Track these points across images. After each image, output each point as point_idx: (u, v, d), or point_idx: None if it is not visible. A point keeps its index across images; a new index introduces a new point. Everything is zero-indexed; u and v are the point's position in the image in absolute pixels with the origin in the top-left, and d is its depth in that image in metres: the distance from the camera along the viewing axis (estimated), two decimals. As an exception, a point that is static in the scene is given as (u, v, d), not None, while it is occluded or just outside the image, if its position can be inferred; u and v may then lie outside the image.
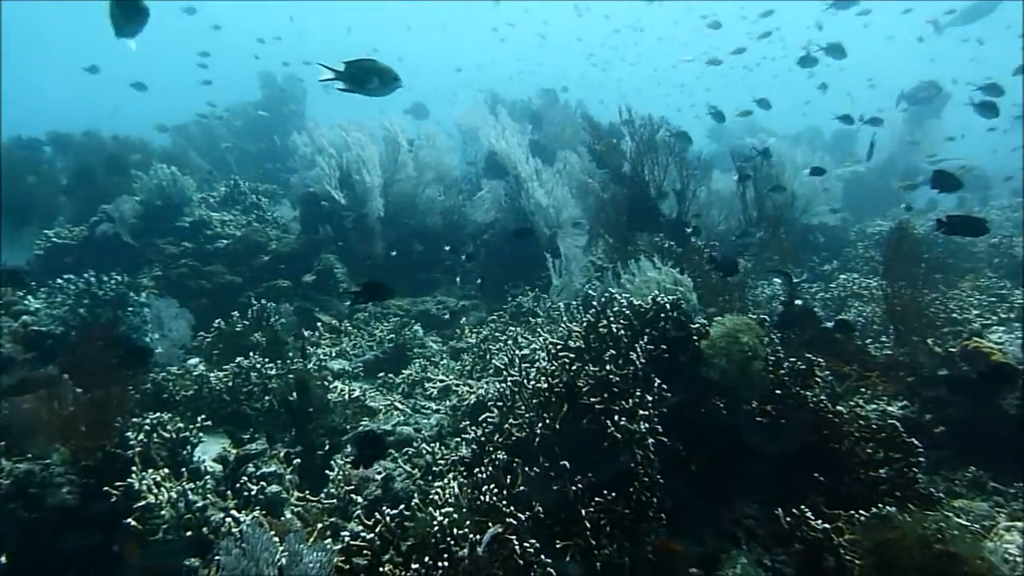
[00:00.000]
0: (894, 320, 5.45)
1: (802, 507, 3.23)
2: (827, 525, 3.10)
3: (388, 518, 3.05)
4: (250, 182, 9.96)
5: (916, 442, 3.70)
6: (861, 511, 3.16)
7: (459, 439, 4.44)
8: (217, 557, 2.87)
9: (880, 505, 3.19)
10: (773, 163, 7.57)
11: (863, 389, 4.74)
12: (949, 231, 4.58)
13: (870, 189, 11.76)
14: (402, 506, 3.17)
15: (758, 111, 9.76)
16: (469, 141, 10.86)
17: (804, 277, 7.82)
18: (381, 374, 5.98)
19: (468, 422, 4.51)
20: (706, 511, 3.50)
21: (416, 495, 3.56)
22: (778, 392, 3.84)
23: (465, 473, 3.60)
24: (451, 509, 3.03)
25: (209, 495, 3.82)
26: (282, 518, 3.80)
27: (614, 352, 3.70)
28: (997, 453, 4.04)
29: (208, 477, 4.09)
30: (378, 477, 4.14)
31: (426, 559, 2.75)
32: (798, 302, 5.70)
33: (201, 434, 4.37)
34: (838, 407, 3.93)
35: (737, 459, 3.68)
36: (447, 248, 8.29)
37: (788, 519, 3.21)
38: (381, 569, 2.81)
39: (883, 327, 5.89)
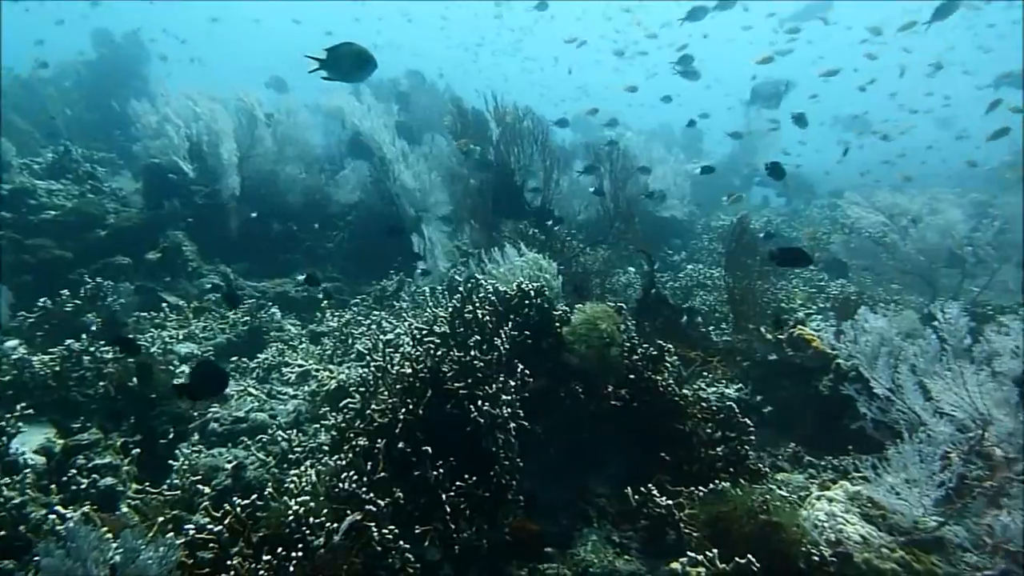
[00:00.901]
0: (733, 308, 5.97)
1: (649, 485, 3.49)
2: (670, 501, 3.39)
3: (239, 509, 2.95)
4: (83, 149, 9.03)
5: (748, 422, 4.11)
6: (700, 487, 3.48)
7: (318, 425, 4.38)
8: (36, 559, 2.60)
9: (717, 481, 3.52)
10: (629, 156, 7.97)
11: (705, 373, 5.18)
12: (780, 263, 5.07)
13: (714, 185, 12.70)
14: (254, 496, 3.08)
15: (620, 107, 10.21)
16: (333, 119, 10.53)
17: (657, 267, 8.36)
18: (234, 358, 5.73)
19: (328, 408, 4.46)
20: (562, 492, 3.69)
21: (270, 484, 3.47)
22: (632, 376, 4.11)
23: (324, 460, 3.55)
24: (308, 498, 2.98)
25: (29, 490, 3.50)
26: (117, 513, 3.58)
27: (479, 338, 3.78)
28: (813, 430, 4.57)
29: (28, 471, 3.74)
30: (228, 466, 4.00)
31: (279, 550, 2.69)
32: (653, 291, 6.10)
33: (20, 424, 3.95)
34: (684, 390, 4.27)
35: (593, 441, 3.91)
36: (316, 227, 8.02)
37: (636, 497, 3.47)
38: (229, 563, 2.71)
39: (724, 315, 6.44)
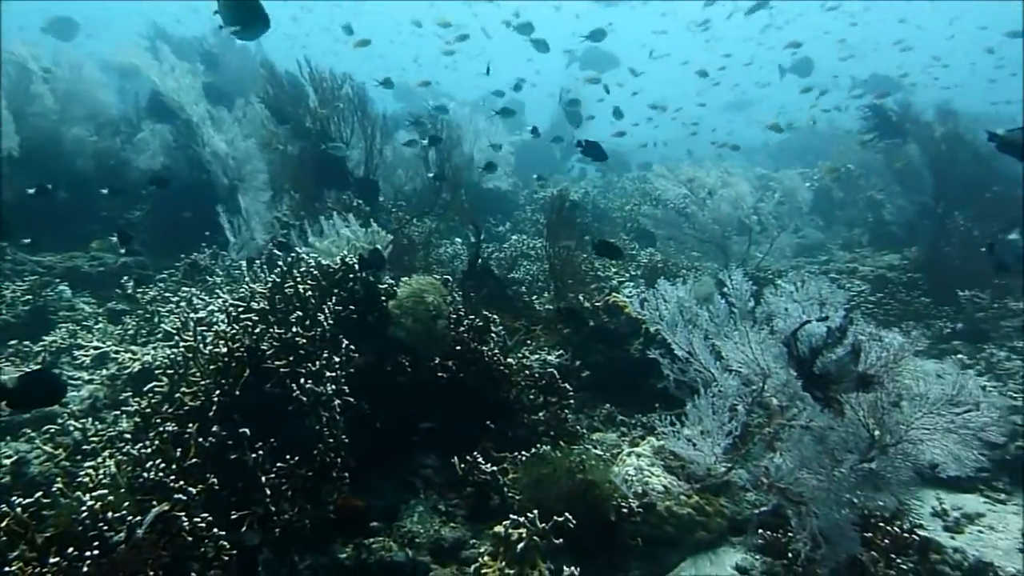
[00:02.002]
0: (554, 277, 6.23)
1: (475, 453, 3.60)
2: (495, 468, 3.52)
3: (19, 509, 2.63)
4: None
5: (568, 387, 4.35)
6: (523, 452, 3.65)
7: (119, 412, 4.03)
8: None
9: (539, 445, 3.71)
10: (453, 126, 7.98)
11: (529, 341, 5.38)
12: (600, 252, 5.43)
13: (537, 156, 13.10)
14: (39, 493, 2.77)
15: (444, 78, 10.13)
16: (128, 77, 9.48)
17: (483, 237, 8.51)
18: (13, 342, 5.06)
19: (130, 393, 4.10)
20: (389, 466, 3.70)
21: (60, 479, 3.14)
22: (458, 348, 4.18)
23: (126, 449, 3.27)
24: (106, 491, 2.73)
25: None
26: None
27: (301, 313, 3.66)
28: (624, 391, 4.92)
29: None
30: (7, 462, 3.57)
31: (70, 549, 2.45)
32: (479, 261, 6.21)
33: None
34: (508, 359, 4.42)
35: (420, 414, 3.95)
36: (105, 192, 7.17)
37: (462, 466, 3.57)
38: (8, 568, 2.42)
39: (546, 284, 6.71)
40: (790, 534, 3.16)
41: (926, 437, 3.07)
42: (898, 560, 3.14)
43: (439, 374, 4.03)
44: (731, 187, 7.66)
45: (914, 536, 3.29)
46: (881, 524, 3.31)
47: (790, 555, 3.17)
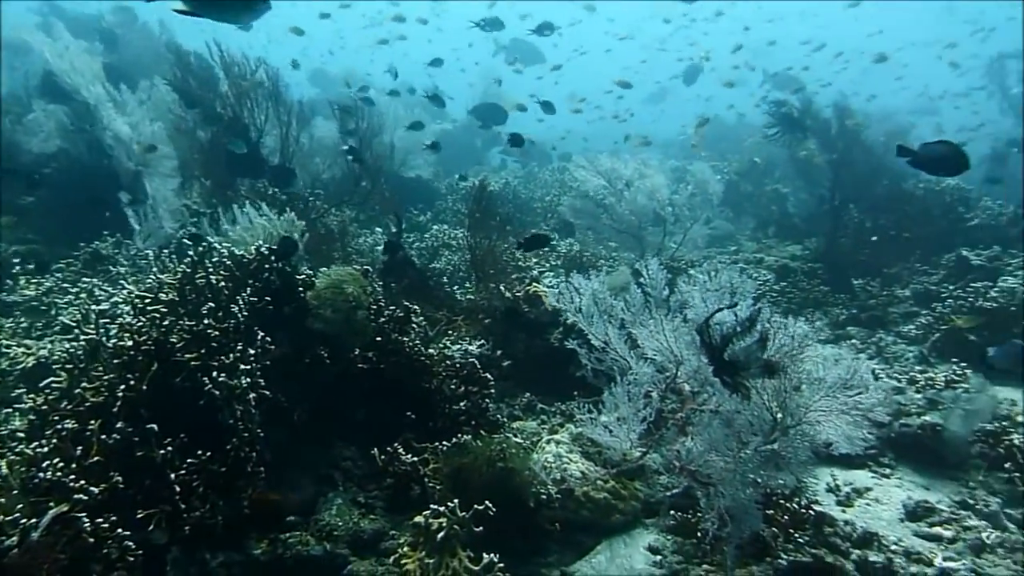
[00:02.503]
0: (475, 267, 6.26)
1: (395, 444, 3.61)
2: (415, 458, 3.54)
3: None
4: None
5: (489, 376, 4.41)
6: (444, 442, 3.68)
7: (10, 410, 3.81)
8: None
9: (460, 434, 3.75)
10: (376, 113, 7.86)
11: (451, 332, 5.40)
12: (527, 248, 5.55)
13: (459, 146, 13.06)
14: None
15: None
16: (19, 54, 8.82)
17: (404, 227, 8.44)
18: None
19: (24, 389, 3.88)
20: (307, 459, 3.66)
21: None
22: (379, 339, 4.16)
23: (19, 449, 3.09)
24: (-7, 495, 2.59)
25: None
26: None
27: (213, 305, 3.55)
28: (545, 380, 5.02)
29: None
30: None
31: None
32: (400, 252, 6.16)
33: None
34: (430, 350, 4.43)
35: (340, 406, 3.91)
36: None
37: (382, 457, 3.57)
38: None
39: (468, 274, 6.73)
40: (699, 514, 3.32)
41: (822, 418, 3.27)
42: (795, 534, 3.36)
43: (359, 365, 4.01)
44: (647, 179, 7.88)
45: (810, 511, 3.52)
46: (781, 501, 3.53)
47: (699, 534, 3.33)
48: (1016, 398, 5.27)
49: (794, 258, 8.74)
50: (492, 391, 4.38)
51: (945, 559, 3.26)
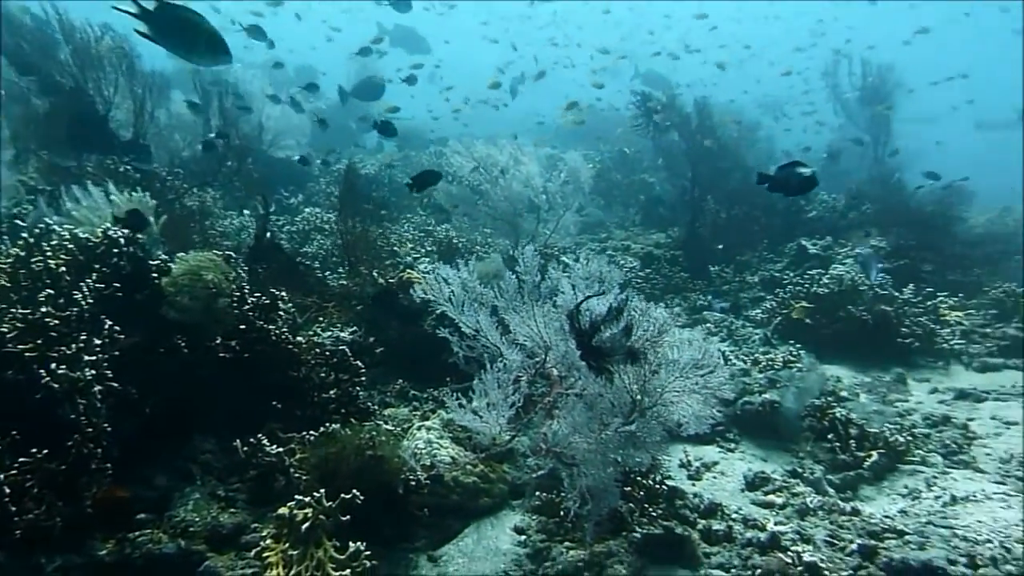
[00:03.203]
0: (347, 253, 6.14)
1: (259, 435, 3.50)
2: (281, 449, 3.45)
3: None
4: None
5: (360, 364, 4.36)
6: (312, 431, 3.61)
7: None
8: None
9: (328, 423, 3.69)
10: (242, 93, 7.49)
11: (321, 318, 5.29)
12: (417, 188, 5.53)
13: (333, 126, 12.65)
14: None
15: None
16: None
17: (273, 209, 8.11)
18: None
19: None
20: (162, 453, 3.49)
21: None
22: (243, 327, 4.01)
23: None
24: None
25: None
26: None
27: (52, 291, 3.29)
28: (418, 366, 5.04)
29: None
30: None
31: None
32: (268, 235, 5.93)
33: None
34: (298, 337, 4.32)
35: (198, 396, 3.74)
36: None
37: (245, 448, 3.46)
38: None
39: (341, 259, 6.59)
40: (563, 494, 3.48)
41: (676, 399, 3.51)
42: (650, 508, 3.60)
43: (221, 355, 3.84)
44: (522, 166, 8.02)
45: (664, 486, 3.78)
46: (638, 478, 3.76)
47: (562, 513, 3.49)
48: (841, 374, 5.91)
49: (658, 246, 9.23)
50: (363, 378, 4.34)
51: (776, 523, 3.62)
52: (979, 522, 3.39)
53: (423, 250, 7.54)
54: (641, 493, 3.70)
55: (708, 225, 9.18)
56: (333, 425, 3.65)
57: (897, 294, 6.67)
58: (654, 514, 3.59)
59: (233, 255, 4.54)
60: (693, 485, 4.18)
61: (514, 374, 3.78)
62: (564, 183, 8.36)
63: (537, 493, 3.76)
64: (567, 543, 3.44)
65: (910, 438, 4.48)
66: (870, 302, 6.49)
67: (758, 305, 7.53)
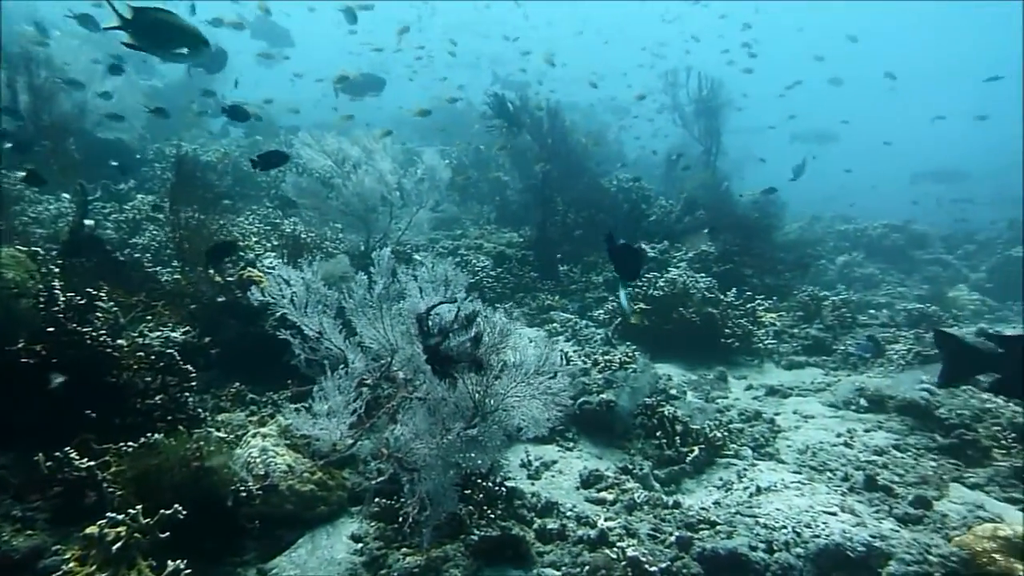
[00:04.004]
0: (179, 247, 5.73)
1: (67, 448, 3.20)
2: (92, 462, 3.18)
3: None
4: None
5: (190, 367, 4.11)
6: (132, 442, 3.36)
7: None
8: None
9: (152, 432, 3.45)
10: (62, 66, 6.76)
11: (149, 318, 4.92)
12: (261, 167, 5.26)
13: (170, 107, 11.77)
14: None
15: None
16: None
17: (98, 195, 7.40)
18: None
19: None
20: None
21: None
22: (52, 330, 3.64)
23: None
24: None
25: None
26: None
27: None
28: (258, 368, 4.82)
29: None
30: None
31: None
32: (89, 223, 5.41)
33: None
34: (119, 340, 3.99)
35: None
36: None
37: (48, 463, 3.15)
38: None
39: (175, 253, 6.15)
40: (403, 499, 3.48)
41: (518, 404, 3.62)
42: (489, 510, 3.69)
43: (24, 360, 3.47)
44: (376, 161, 7.88)
45: (503, 488, 3.88)
46: (479, 481, 3.84)
47: (401, 518, 3.49)
48: (673, 373, 6.35)
49: (510, 245, 9.43)
50: (194, 383, 4.10)
51: (606, 519, 3.83)
52: (777, 510, 3.78)
53: (268, 244, 7.21)
54: (481, 495, 3.78)
55: (558, 226, 9.50)
56: (156, 435, 3.42)
57: (722, 297, 7.26)
58: (492, 516, 3.68)
59: (41, 251, 4.11)
60: (532, 484, 4.32)
61: (358, 378, 3.74)
62: (420, 180, 8.32)
63: (376, 499, 3.73)
64: (404, 549, 3.45)
65: (727, 433, 4.90)
66: (699, 304, 7.01)
67: (602, 305, 7.90)
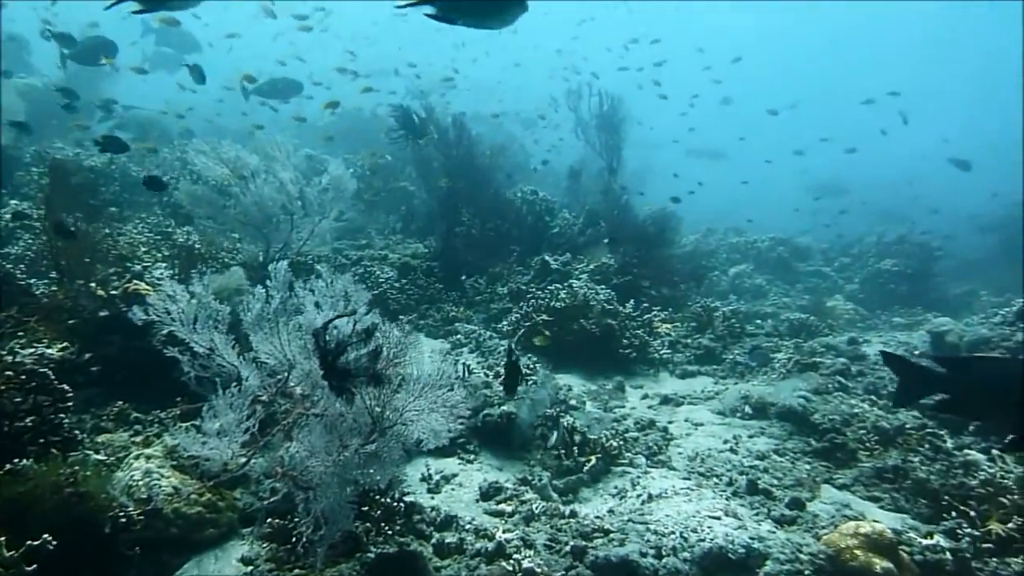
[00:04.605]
0: (56, 257, 5.40)
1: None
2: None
3: None
4: None
5: (66, 387, 3.88)
6: (-1, 469, 3.14)
7: None
8: None
9: (21, 458, 3.23)
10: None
11: (21, 335, 4.60)
12: (103, 149, 5.02)
13: (52, 107, 11.03)
14: None
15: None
16: None
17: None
18: None
19: None
20: None
21: None
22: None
23: None
24: None
25: None
26: None
27: None
28: (144, 385, 4.59)
29: None
30: None
31: None
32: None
33: None
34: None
35: None
36: None
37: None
38: None
39: (53, 263, 5.77)
40: (297, 519, 3.41)
41: (416, 417, 3.62)
42: (386, 527, 3.67)
43: None
44: (277, 170, 7.67)
45: (402, 503, 3.87)
46: (377, 497, 3.81)
47: (294, 539, 3.42)
48: (573, 383, 6.51)
49: (415, 256, 9.39)
50: (70, 403, 3.87)
51: (504, 531, 3.88)
52: (667, 516, 3.96)
53: (159, 255, 6.87)
54: (379, 511, 3.75)
55: (463, 237, 9.55)
56: (26, 461, 3.21)
57: (621, 308, 7.51)
58: (390, 532, 3.66)
59: None
60: (432, 498, 4.33)
61: (252, 395, 3.65)
62: (324, 190, 8.16)
63: (269, 519, 3.64)
64: (297, 570, 3.38)
65: (622, 442, 5.08)
66: (599, 316, 7.23)
67: (506, 316, 7.99)
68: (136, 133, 11.96)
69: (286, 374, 3.84)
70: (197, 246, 7.04)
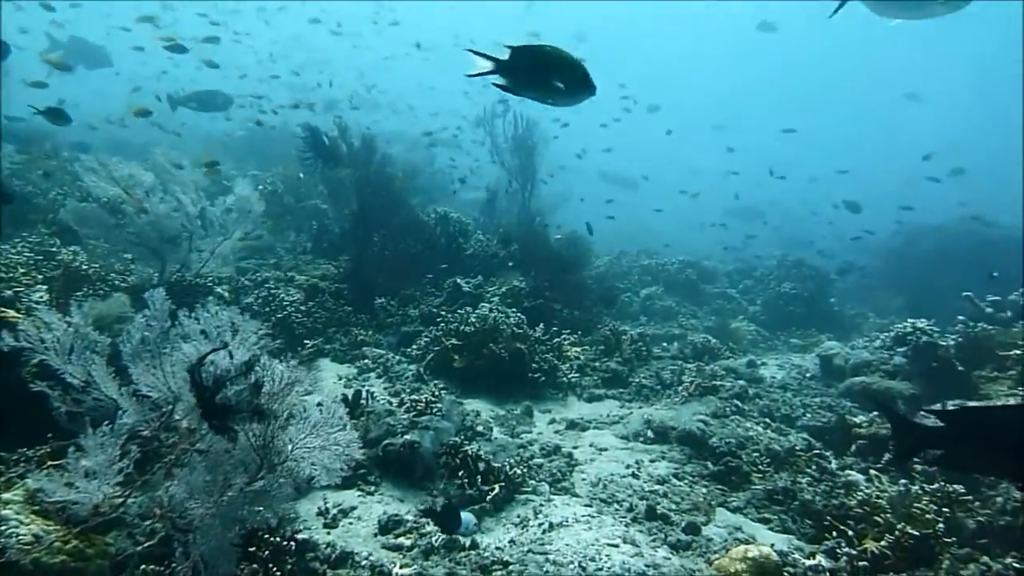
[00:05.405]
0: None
1: None
2: None
3: None
4: None
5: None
6: None
7: None
8: None
9: None
10: None
11: None
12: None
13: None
14: None
15: None
16: None
17: None
18: None
19: None
20: None
21: None
22: None
23: None
24: None
25: None
26: None
27: None
28: (7, 422, 4.24)
29: None
30: None
31: None
32: None
33: None
34: None
35: None
36: None
37: None
38: None
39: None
40: (174, 564, 3.22)
41: (307, 455, 3.51)
42: (275, 568, 3.51)
43: None
44: (174, 189, 7.33)
45: (293, 541, 3.71)
46: (266, 536, 3.64)
47: (171, 586, 3.22)
48: (481, 408, 6.47)
49: (324, 277, 9.15)
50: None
51: (401, 566, 3.78)
52: (567, 545, 3.96)
53: (40, 277, 6.42)
54: (267, 551, 3.58)
55: (374, 258, 9.39)
56: None
57: (531, 332, 7.54)
58: (279, 573, 3.50)
59: None
60: (328, 534, 4.18)
61: (130, 431, 3.45)
62: (227, 210, 7.86)
63: (143, 566, 3.41)
64: (169, 620, 3.18)
65: (526, 469, 5.07)
66: (508, 340, 7.23)
67: (416, 340, 7.88)
68: (19, 144, 11.21)
69: (171, 407, 3.66)
70: (84, 267, 6.62)
